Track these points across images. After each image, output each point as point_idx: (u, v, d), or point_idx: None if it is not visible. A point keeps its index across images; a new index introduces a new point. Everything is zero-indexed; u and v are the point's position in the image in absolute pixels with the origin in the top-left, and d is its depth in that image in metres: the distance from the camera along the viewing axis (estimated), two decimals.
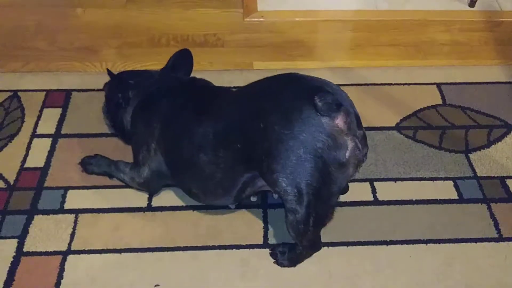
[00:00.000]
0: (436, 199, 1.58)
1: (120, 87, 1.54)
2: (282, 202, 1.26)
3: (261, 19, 1.94)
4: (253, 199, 1.50)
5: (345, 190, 1.53)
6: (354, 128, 1.22)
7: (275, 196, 1.43)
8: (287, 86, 1.25)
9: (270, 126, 1.21)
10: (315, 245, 1.39)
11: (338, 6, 1.99)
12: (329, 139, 1.18)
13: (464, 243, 1.48)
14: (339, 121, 1.19)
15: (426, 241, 1.49)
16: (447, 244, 1.48)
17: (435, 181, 1.63)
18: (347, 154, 1.20)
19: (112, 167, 1.56)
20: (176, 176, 1.47)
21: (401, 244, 1.48)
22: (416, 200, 1.58)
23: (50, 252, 1.43)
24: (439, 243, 1.48)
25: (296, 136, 1.18)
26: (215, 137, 1.31)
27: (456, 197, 1.59)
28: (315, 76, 1.29)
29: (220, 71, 1.96)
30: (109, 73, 1.53)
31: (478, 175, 1.64)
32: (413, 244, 1.48)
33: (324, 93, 1.19)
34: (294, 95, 1.21)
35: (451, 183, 1.62)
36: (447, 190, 1.61)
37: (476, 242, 1.48)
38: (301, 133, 1.18)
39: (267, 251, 1.45)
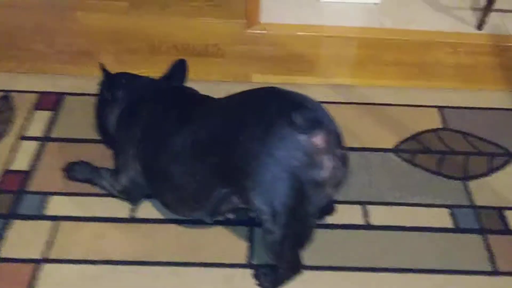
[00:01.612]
0: (431, 227, 1.52)
1: (111, 84, 1.51)
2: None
3: (263, 31, 1.91)
4: (230, 216, 1.45)
5: (330, 211, 1.47)
6: (334, 147, 1.17)
7: (252, 214, 1.38)
8: (266, 101, 1.21)
9: (245, 141, 1.16)
10: (295, 267, 1.33)
11: (342, 22, 1.96)
12: (306, 158, 1.13)
13: (457, 275, 1.42)
14: (318, 139, 1.14)
15: (418, 270, 1.42)
16: (439, 274, 1.42)
17: (430, 208, 1.57)
18: (325, 173, 1.16)
19: (95, 174, 1.52)
20: (152, 186, 1.43)
21: (391, 272, 1.42)
22: (409, 226, 1.52)
23: (25, 259, 1.38)
24: (430, 273, 1.42)
25: (272, 153, 1.13)
26: (192, 148, 1.28)
27: (452, 226, 1.53)
28: (297, 92, 1.25)
29: (218, 82, 1.92)
30: (102, 68, 1.49)
31: (476, 204, 1.58)
32: (403, 272, 1.42)
33: (303, 110, 1.15)
34: (273, 111, 1.17)
35: (447, 211, 1.56)
36: (442, 218, 1.55)
37: (469, 275, 1.42)
38: (277, 150, 1.13)
39: (250, 271, 1.40)
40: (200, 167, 1.26)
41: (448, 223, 1.53)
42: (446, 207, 1.57)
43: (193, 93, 1.50)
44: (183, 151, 1.29)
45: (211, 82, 1.88)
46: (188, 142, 1.28)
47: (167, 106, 1.41)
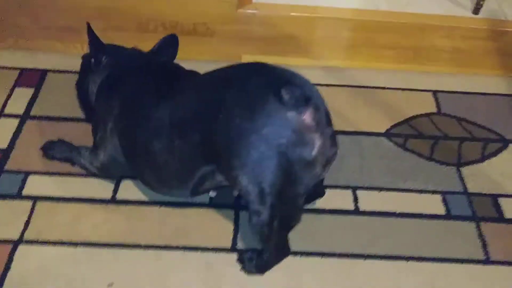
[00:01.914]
0: (422, 214, 1.48)
1: (95, 50, 1.45)
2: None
3: (255, 11, 1.86)
4: (212, 194, 1.41)
5: (320, 193, 1.43)
6: (323, 125, 1.12)
7: (235, 193, 1.34)
8: (252, 76, 1.16)
9: (230, 118, 1.11)
10: (282, 250, 1.29)
11: (337, 4, 1.91)
12: (294, 135, 1.09)
13: (448, 263, 1.37)
14: (307, 116, 1.09)
15: (408, 258, 1.38)
16: (430, 262, 1.38)
17: (422, 194, 1.52)
18: (314, 152, 1.11)
19: (74, 152, 1.47)
20: (130, 163, 1.37)
21: (380, 259, 1.37)
22: (400, 212, 1.48)
23: (1, 240, 1.33)
24: (421, 261, 1.38)
25: (258, 131, 1.08)
26: (172, 124, 1.22)
27: (444, 213, 1.48)
28: (285, 68, 1.19)
29: (207, 61, 1.83)
30: (89, 29, 1.43)
31: (469, 191, 1.53)
32: (393, 260, 1.37)
33: (292, 86, 1.10)
34: (259, 86, 1.12)
35: (439, 197, 1.52)
36: (434, 204, 1.50)
37: (461, 263, 1.38)
38: (264, 127, 1.08)
39: (234, 256, 1.35)
40: (180, 144, 1.21)
41: (440, 209, 1.49)
42: (439, 193, 1.53)
43: (177, 67, 1.45)
44: (162, 127, 1.24)
45: (200, 62, 1.81)
46: (167, 118, 1.23)
47: (148, 79, 1.36)
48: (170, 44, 1.53)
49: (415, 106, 1.77)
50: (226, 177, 1.18)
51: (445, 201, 1.51)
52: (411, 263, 1.37)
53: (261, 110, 1.09)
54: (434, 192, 1.53)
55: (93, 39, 1.45)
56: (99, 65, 1.44)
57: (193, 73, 1.39)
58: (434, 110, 1.77)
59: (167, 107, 1.25)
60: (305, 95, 1.10)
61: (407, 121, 1.72)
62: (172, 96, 1.26)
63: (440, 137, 1.68)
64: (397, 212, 1.48)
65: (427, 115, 1.75)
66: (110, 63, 1.44)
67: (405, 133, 1.68)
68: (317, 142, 1.11)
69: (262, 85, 1.12)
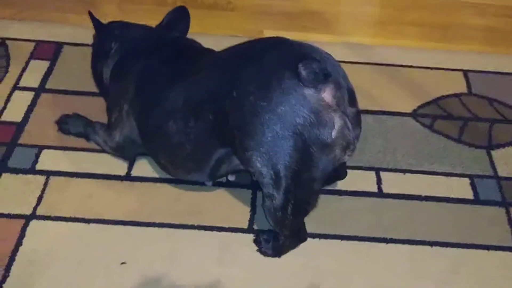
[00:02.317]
0: (449, 197, 1.41)
1: (104, 36, 1.40)
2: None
3: None
4: (230, 178, 1.35)
5: (341, 176, 1.36)
6: (344, 104, 1.05)
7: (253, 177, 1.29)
8: (268, 51, 1.09)
9: (244, 96, 1.05)
10: (298, 235, 1.23)
11: None
12: (312, 115, 1.01)
13: (475, 250, 1.31)
14: (326, 94, 1.02)
15: (432, 243, 1.32)
16: (455, 248, 1.31)
17: (449, 177, 1.45)
18: (333, 133, 1.04)
19: (89, 128, 1.43)
20: (147, 145, 1.33)
21: (403, 243, 1.31)
22: (425, 196, 1.41)
23: (13, 215, 1.30)
24: (446, 247, 1.31)
25: (273, 109, 1.02)
26: (186, 103, 1.17)
27: (471, 197, 1.41)
28: (306, 43, 1.12)
29: (227, 36, 1.80)
30: (92, 18, 1.38)
31: (499, 175, 1.46)
32: (416, 244, 1.31)
33: (310, 61, 1.02)
34: (275, 62, 1.05)
35: (467, 180, 1.45)
36: (462, 188, 1.43)
37: (488, 250, 1.31)
38: (279, 106, 1.01)
39: (251, 236, 1.30)
40: (195, 125, 1.16)
41: (467, 193, 1.42)
42: (467, 177, 1.45)
43: (193, 45, 1.38)
44: (177, 107, 1.19)
45: (219, 37, 1.76)
46: (182, 97, 1.18)
47: (163, 58, 1.30)
48: (180, 17, 1.46)
49: (444, 86, 1.69)
50: (240, 159, 1.13)
51: (473, 185, 1.44)
52: (435, 249, 1.31)
53: (277, 87, 1.02)
54: (462, 175, 1.46)
55: (98, 27, 1.40)
56: (109, 51, 1.39)
57: (209, 51, 1.33)
58: (464, 90, 1.68)
59: (182, 86, 1.19)
60: (324, 71, 1.02)
61: (435, 101, 1.64)
62: (187, 75, 1.21)
63: (470, 118, 1.60)
64: (422, 195, 1.41)
65: (457, 95, 1.67)
66: (121, 46, 1.39)
67: (433, 114, 1.60)
68: (337, 122, 1.04)
69: (278, 61, 1.05)
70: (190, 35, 1.49)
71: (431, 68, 1.75)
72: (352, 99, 1.09)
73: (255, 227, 1.32)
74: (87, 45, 1.69)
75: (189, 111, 1.16)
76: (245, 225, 1.33)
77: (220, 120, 1.11)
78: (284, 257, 1.27)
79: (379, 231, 1.33)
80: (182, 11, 1.47)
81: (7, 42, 1.70)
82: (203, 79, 1.16)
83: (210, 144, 1.17)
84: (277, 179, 1.07)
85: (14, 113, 1.51)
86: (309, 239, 1.29)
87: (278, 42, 1.13)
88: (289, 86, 1.01)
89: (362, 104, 1.56)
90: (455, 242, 1.32)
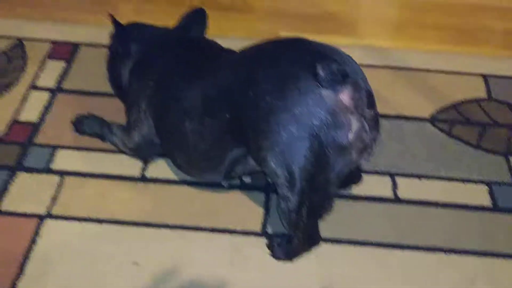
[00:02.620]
0: (466, 204, 1.38)
1: (122, 37, 1.40)
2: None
3: None
4: (246, 179, 1.34)
5: (356, 179, 1.35)
6: (363, 107, 1.04)
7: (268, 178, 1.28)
8: (287, 51, 1.08)
9: (260, 95, 1.04)
10: (312, 239, 1.22)
11: None
12: (329, 116, 1.00)
13: (492, 258, 1.28)
14: (345, 95, 1.01)
15: (448, 251, 1.29)
16: (472, 256, 1.29)
17: (467, 184, 1.43)
18: (350, 135, 1.02)
19: (105, 129, 1.43)
20: (163, 144, 1.33)
21: (418, 250, 1.29)
22: (442, 202, 1.38)
23: (27, 214, 1.31)
24: (462, 255, 1.29)
25: (289, 109, 1.01)
26: (202, 103, 1.16)
27: (490, 205, 1.38)
28: (325, 43, 1.11)
29: (243, 38, 1.78)
30: (113, 19, 1.38)
31: None
32: (432, 252, 1.29)
33: (329, 61, 1.01)
34: (293, 62, 1.04)
35: (485, 187, 1.42)
36: (480, 195, 1.40)
37: (506, 259, 1.28)
38: (296, 106, 1.00)
39: (263, 240, 1.29)
40: (210, 124, 1.16)
41: (486, 201, 1.39)
42: (485, 184, 1.43)
43: (212, 45, 1.38)
44: (194, 106, 1.18)
45: (236, 39, 1.75)
46: (198, 96, 1.18)
47: (181, 58, 1.30)
48: (197, 18, 1.46)
49: (463, 91, 1.66)
50: (255, 159, 1.12)
51: (491, 192, 1.41)
52: (451, 257, 1.28)
53: (293, 87, 1.01)
54: (480, 182, 1.43)
55: (118, 28, 1.40)
56: (128, 52, 1.39)
57: (228, 51, 1.33)
58: (484, 95, 1.65)
59: (199, 86, 1.19)
60: (343, 72, 1.01)
61: (453, 106, 1.62)
62: (204, 75, 1.21)
63: (489, 124, 1.57)
64: (439, 201, 1.39)
65: (476, 100, 1.64)
66: (140, 47, 1.39)
67: (451, 119, 1.58)
68: (355, 125, 1.03)
69: (295, 60, 1.04)
70: (206, 36, 1.49)
71: (451, 72, 1.72)
72: (370, 102, 1.08)
73: (268, 230, 1.31)
74: (103, 45, 1.70)
75: (205, 110, 1.16)
76: (258, 228, 1.32)
77: (235, 120, 1.10)
78: (296, 261, 1.26)
79: (394, 237, 1.31)
80: (200, 12, 1.47)
81: (24, 42, 1.72)
82: (220, 78, 1.16)
83: (226, 143, 1.17)
84: (292, 180, 1.06)
85: (30, 113, 1.53)
86: (322, 244, 1.27)
87: (297, 42, 1.12)
88: (306, 86, 1.00)
89: (379, 108, 1.53)
90: (472, 250, 1.30)
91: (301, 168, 1.04)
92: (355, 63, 1.11)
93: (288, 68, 1.04)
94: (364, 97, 1.05)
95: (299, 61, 1.04)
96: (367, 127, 1.04)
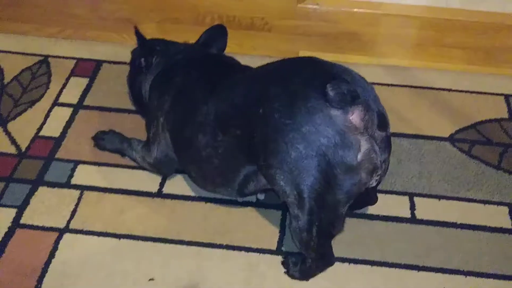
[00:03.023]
0: (485, 226, 1.36)
1: (144, 51, 1.43)
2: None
3: (316, 6, 1.79)
4: (260, 196, 1.34)
5: (371, 201, 1.33)
6: (373, 128, 1.03)
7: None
8: (299, 70, 1.09)
9: (270, 113, 1.05)
10: (325, 258, 1.21)
11: (403, 0, 1.80)
12: (337, 136, 1.00)
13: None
14: (354, 116, 1.01)
15: (466, 273, 1.27)
16: (491, 279, 1.26)
17: (486, 205, 1.40)
18: (359, 156, 1.02)
19: (125, 144, 1.45)
20: (178, 156, 1.34)
21: (435, 272, 1.27)
22: (460, 223, 1.36)
23: (47, 227, 1.34)
24: (481, 277, 1.27)
25: (298, 128, 1.01)
26: (216, 118, 1.18)
27: (510, 226, 1.36)
28: (337, 63, 1.11)
29: (262, 56, 1.81)
30: (137, 33, 1.40)
31: None
32: (449, 274, 1.27)
33: (339, 82, 1.01)
34: (304, 81, 1.05)
35: (506, 209, 1.39)
36: (500, 217, 1.38)
37: None
38: (304, 125, 1.01)
39: (279, 258, 1.29)
40: (222, 140, 1.17)
41: (506, 223, 1.37)
42: (505, 205, 1.40)
43: (230, 62, 1.40)
44: (208, 121, 1.20)
45: (255, 57, 1.78)
46: (213, 111, 1.19)
47: (199, 74, 1.32)
48: (218, 35, 1.49)
49: (484, 110, 1.64)
50: (265, 176, 1.12)
51: None
52: (470, 279, 1.26)
53: (302, 106, 1.01)
54: (500, 203, 1.41)
55: (142, 42, 1.42)
56: (150, 66, 1.42)
57: (246, 68, 1.34)
58: (505, 115, 1.63)
59: (214, 101, 1.21)
60: (353, 92, 1.01)
61: (474, 126, 1.60)
62: (219, 91, 1.22)
63: (510, 145, 1.55)
64: (458, 222, 1.37)
65: (497, 120, 1.62)
66: (161, 61, 1.41)
67: (471, 139, 1.56)
68: (364, 145, 1.02)
69: (306, 80, 1.05)
70: (227, 54, 1.50)
71: (471, 92, 1.70)
72: (382, 123, 1.07)
73: (283, 248, 1.31)
74: (124, 63, 1.73)
75: (218, 125, 1.18)
76: (273, 247, 1.31)
77: (247, 137, 1.11)
78: (312, 280, 1.25)
79: (411, 258, 1.29)
80: (220, 29, 1.49)
81: (49, 59, 1.76)
82: (233, 95, 1.17)
83: (238, 159, 1.18)
84: (301, 199, 1.06)
85: (52, 129, 1.56)
86: (338, 263, 1.27)
87: (310, 62, 1.13)
88: (315, 106, 1.01)
89: (397, 127, 1.55)
90: (492, 273, 1.27)
91: (309, 187, 1.04)
92: (368, 83, 1.11)
93: (299, 87, 1.04)
94: (374, 118, 1.04)
95: (310, 81, 1.04)
96: (377, 148, 1.04)
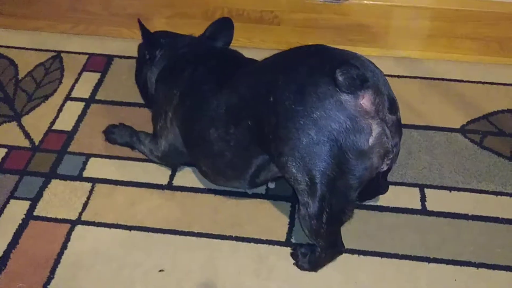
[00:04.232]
0: (498, 217, 1.35)
1: (149, 44, 1.43)
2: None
3: None
4: (270, 185, 1.35)
5: (382, 190, 1.33)
6: (384, 111, 1.03)
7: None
8: (308, 58, 1.09)
9: (280, 101, 1.05)
10: (334, 247, 1.21)
11: None
12: (348, 121, 1.00)
13: None
14: (365, 100, 1.00)
15: (478, 265, 1.26)
16: (503, 271, 1.25)
17: (499, 196, 1.39)
18: (371, 140, 1.02)
19: (134, 138, 1.47)
20: (189, 151, 1.35)
21: (446, 263, 1.27)
22: (472, 215, 1.35)
23: (60, 219, 1.36)
24: (493, 269, 1.26)
25: (309, 114, 1.01)
26: (227, 111, 1.18)
27: None
28: (346, 50, 1.11)
29: (272, 50, 1.80)
30: (141, 25, 1.41)
31: None
32: (460, 265, 1.26)
33: (348, 67, 1.01)
34: (313, 67, 1.04)
35: None
36: None
37: None
38: (315, 111, 1.00)
39: (288, 249, 1.29)
40: (235, 132, 1.17)
41: None
42: None
43: (236, 55, 1.40)
44: (218, 115, 1.20)
45: (264, 50, 1.78)
46: (223, 105, 1.19)
47: (207, 67, 1.32)
48: (224, 27, 1.48)
49: (496, 101, 1.62)
50: (276, 164, 1.12)
51: None
52: (482, 271, 1.25)
53: (312, 92, 1.01)
54: None
55: (146, 34, 1.43)
56: (154, 59, 1.42)
57: (252, 61, 1.35)
58: None
59: (223, 95, 1.21)
60: (362, 77, 1.00)
61: (485, 116, 1.58)
62: (229, 84, 1.22)
63: None
64: (469, 214, 1.36)
65: (509, 111, 1.60)
66: (166, 54, 1.42)
67: (483, 130, 1.54)
68: (375, 129, 1.02)
69: (316, 66, 1.05)
70: (237, 48, 1.50)
71: (483, 83, 1.68)
72: (392, 107, 1.07)
73: (292, 240, 1.31)
74: (135, 57, 1.74)
75: (229, 118, 1.18)
76: (283, 238, 1.32)
77: (258, 126, 1.12)
78: (321, 272, 1.25)
79: (422, 250, 1.29)
80: (226, 21, 1.49)
81: (62, 54, 1.78)
82: (243, 86, 1.18)
83: (250, 151, 1.18)
84: (312, 185, 1.06)
85: (65, 123, 1.58)
86: (348, 255, 1.27)
87: (319, 49, 1.13)
88: (325, 92, 1.01)
89: (409, 119, 1.54)
90: (504, 265, 1.26)
91: (321, 173, 1.03)
92: (377, 68, 1.10)
93: (308, 74, 1.04)
94: (385, 102, 1.04)
95: (319, 67, 1.04)
96: (388, 132, 1.04)
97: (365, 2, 1.78)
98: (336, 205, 1.08)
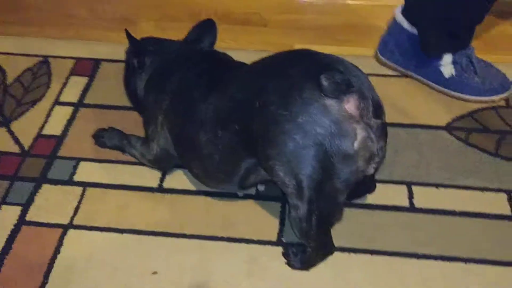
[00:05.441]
0: (484, 213, 1.37)
1: (137, 52, 1.44)
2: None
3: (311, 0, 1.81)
4: (260, 188, 1.36)
5: (369, 189, 1.35)
6: (368, 116, 1.04)
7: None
8: (293, 62, 1.11)
9: (266, 106, 1.06)
10: (325, 247, 1.23)
11: None
12: (333, 125, 1.02)
13: None
14: (350, 105, 1.02)
15: (466, 260, 1.29)
16: (491, 266, 1.28)
17: (485, 192, 1.42)
18: (356, 144, 1.03)
19: (125, 141, 1.47)
20: (179, 155, 1.36)
21: (435, 259, 1.29)
22: (459, 211, 1.38)
23: (52, 224, 1.36)
24: (481, 264, 1.28)
25: (294, 119, 1.03)
26: (215, 115, 1.19)
27: (509, 213, 1.37)
28: (331, 54, 1.13)
29: (258, 51, 1.81)
30: (128, 34, 1.42)
31: None
32: (449, 261, 1.28)
33: (333, 72, 1.03)
34: (298, 73, 1.06)
35: (504, 196, 1.41)
36: (499, 203, 1.39)
37: None
38: (300, 116, 1.02)
39: (279, 249, 1.31)
40: (222, 135, 1.19)
41: (505, 209, 1.38)
42: (504, 192, 1.41)
43: (225, 58, 1.41)
44: (207, 118, 1.21)
45: (251, 52, 1.79)
46: (212, 108, 1.21)
47: (196, 71, 1.33)
48: (207, 29, 1.49)
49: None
50: (264, 168, 1.14)
51: (511, 201, 1.39)
52: (470, 266, 1.28)
53: (297, 97, 1.03)
54: (499, 190, 1.42)
55: (133, 43, 1.44)
56: (143, 66, 1.43)
57: (241, 64, 1.36)
58: (502, 102, 1.64)
59: (212, 98, 1.22)
60: (346, 81, 1.02)
61: (470, 114, 1.61)
62: (217, 88, 1.24)
63: (507, 132, 1.56)
64: (456, 210, 1.38)
65: (494, 108, 1.63)
66: (155, 60, 1.42)
67: (468, 127, 1.57)
68: (360, 133, 1.04)
69: (301, 71, 1.06)
70: (224, 50, 1.51)
71: None
72: (377, 111, 1.09)
73: (283, 239, 1.33)
74: (122, 61, 1.75)
75: (217, 122, 1.19)
76: (274, 238, 1.33)
77: (245, 131, 1.13)
78: (313, 270, 1.27)
79: (411, 247, 1.31)
80: (209, 23, 1.50)
81: (50, 59, 1.78)
82: (230, 90, 1.19)
83: (238, 154, 1.19)
84: (300, 189, 1.07)
85: (54, 127, 1.58)
86: (338, 253, 1.29)
87: (303, 53, 1.15)
88: (310, 96, 1.02)
89: (394, 117, 1.56)
90: (491, 260, 1.28)
91: (307, 177, 1.05)
92: (362, 72, 1.12)
93: (293, 79, 1.06)
94: (370, 106, 1.06)
95: (304, 72, 1.06)
96: (373, 136, 1.05)
97: (350, 2, 1.81)
98: (324, 207, 1.10)
